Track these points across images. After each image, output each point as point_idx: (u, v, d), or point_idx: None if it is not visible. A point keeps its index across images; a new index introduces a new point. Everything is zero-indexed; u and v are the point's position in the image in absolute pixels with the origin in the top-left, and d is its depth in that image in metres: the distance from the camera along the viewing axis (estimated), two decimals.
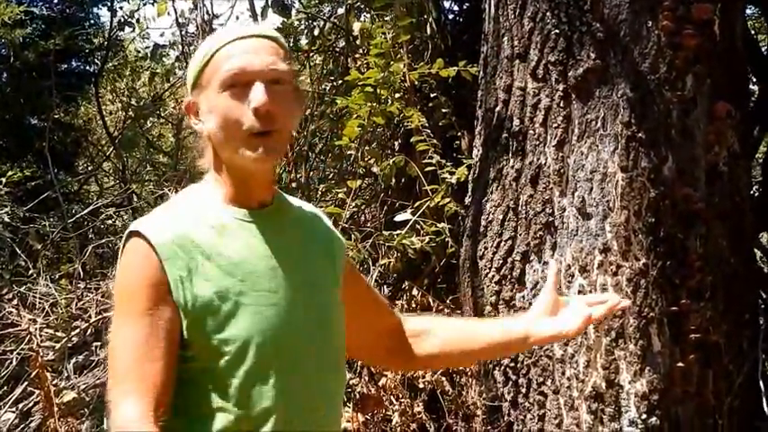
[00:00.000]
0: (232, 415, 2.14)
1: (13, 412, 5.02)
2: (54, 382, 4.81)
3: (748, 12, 7.39)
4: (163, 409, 2.07)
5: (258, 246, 2.24)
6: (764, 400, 4.37)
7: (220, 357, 2.13)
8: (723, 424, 4.21)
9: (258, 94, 2.17)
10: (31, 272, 6.45)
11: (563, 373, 4.16)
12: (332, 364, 2.34)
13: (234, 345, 2.13)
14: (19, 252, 6.94)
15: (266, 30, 2.28)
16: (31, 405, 5.07)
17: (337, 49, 7.09)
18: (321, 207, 5.72)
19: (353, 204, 5.47)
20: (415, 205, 5.12)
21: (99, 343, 5.21)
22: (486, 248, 4.47)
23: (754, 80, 6.27)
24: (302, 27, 7.38)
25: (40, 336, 5.31)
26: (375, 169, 5.82)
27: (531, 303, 4.24)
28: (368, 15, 6.77)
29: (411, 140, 5.27)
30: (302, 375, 2.22)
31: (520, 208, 4.36)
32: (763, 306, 5.39)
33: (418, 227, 5.05)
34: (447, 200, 4.99)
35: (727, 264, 4.27)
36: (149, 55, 9.99)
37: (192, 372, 2.15)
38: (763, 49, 6.50)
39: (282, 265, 2.25)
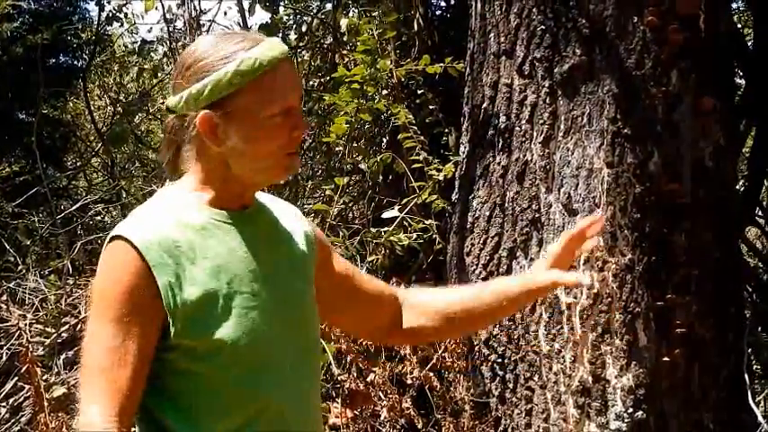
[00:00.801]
0: (222, 416, 2.17)
1: (4, 407, 5.03)
2: (44, 378, 4.81)
3: (734, 6, 7.43)
4: (128, 415, 2.10)
5: (238, 248, 2.25)
6: (750, 393, 4.39)
7: (210, 360, 2.15)
8: (709, 417, 4.23)
9: (300, 121, 2.24)
10: (20, 267, 6.45)
11: (550, 369, 4.18)
12: (309, 364, 2.37)
13: (224, 348, 2.15)
14: (8, 247, 6.94)
15: (284, 46, 2.27)
16: (21, 400, 5.07)
17: (325, 46, 7.10)
18: (309, 204, 5.76)
19: (341, 201, 5.48)
20: (403, 202, 5.14)
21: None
22: (472, 245, 4.49)
23: (741, 74, 6.30)
24: (290, 22, 7.40)
25: (30, 331, 5.31)
26: (362, 166, 5.85)
27: None
28: (355, 11, 6.79)
29: (398, 137, 5.28)
30: (286, 376, 2.25)
31: (506, 204, 4.37)
32: (748, 300, 5.43)
33: (406, 223, 5.06)
34: (434, 196, 5.00)
35: (713, 258, 4.28)
36: (137, 51, 9.99)
37: (180, 374, 2.17)
38: (749, 44, 6.51)
39: (261, 267, 2.26)
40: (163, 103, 11.33)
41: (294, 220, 2.47)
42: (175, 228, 2.19)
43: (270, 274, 2.28)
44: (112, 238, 2.17)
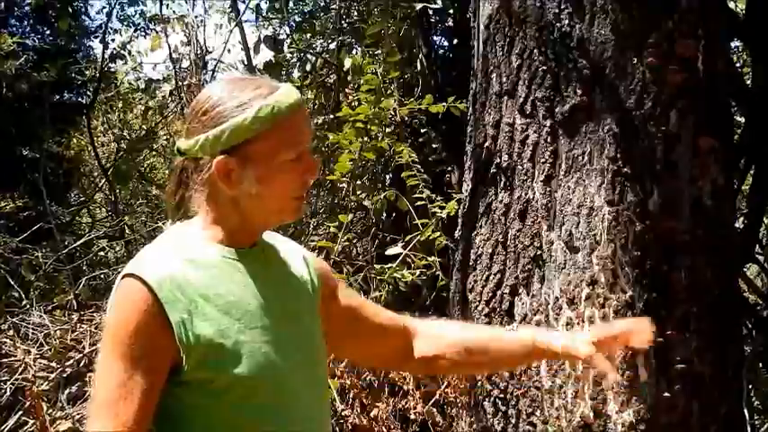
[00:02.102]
0: None
1: None
2: (49, 412, 4.84)
3: (733, 45, 7.50)
4: None
5: (249, 284, 2.29)
6: (749, 429, 4.41)
7: (223, 396, 2.19)
8: None
9: (312, 165, 2.32)
10: (24, 303, 6.48)
11: (552, 404, 4.20)
12: (319, 398, 2.43)
13: (237, 383, 2.19)
14: (12, 283, 6.98)
15: (298, 93, 2.35)
16: None
17: (329, 84, 7.16)
18: (313, 240, 5.81)
19: (345, 238, 5.51)
20: (406, 239, 5.17)
21: (93, 374, 5.24)
22: (475, 281, 4.52)
23: (740, 113, 6.36)
24: (294, 61, 7.46)
25: (35, 366, 5.34)
26: (366, 203, 5.89)
27: None
28: (359, 50, 6.85)
29: (402, 175, 5.32)
30: (298, 410, 2.29)
31: (508, 242, 4.40)
32: (748, 336, 5.46)
33: (409, 260, 5.09)
34: (437, 234, 5.04)
35: (713, 295, 4.29)
36: (143, 89, 10.05)
37: (193, 409, 2.21)
38: (747, 83, 6.57)
39: (271, 303, 2.31)
40: (167, 140, 11.43)
41: (298, 258, 2.52)
42: (187, 265, 2.23)
43: (280, 310, 2.32)
44: (125, 276, 2.21)
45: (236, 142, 2.24)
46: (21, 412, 5.11)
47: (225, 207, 2.31)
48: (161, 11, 9.35)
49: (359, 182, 5.92)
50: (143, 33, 12.40)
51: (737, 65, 7.51)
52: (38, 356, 5.51)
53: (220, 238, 2.32)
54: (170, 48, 8.19)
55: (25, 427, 5.09)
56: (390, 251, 5.18)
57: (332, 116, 6.51)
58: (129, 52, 10.33)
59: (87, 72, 12.93)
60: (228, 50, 16.30)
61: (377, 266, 5.17)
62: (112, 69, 11.88)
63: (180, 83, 8.13)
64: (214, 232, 2.32)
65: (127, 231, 8.98)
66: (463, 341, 2.74)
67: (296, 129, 2.29)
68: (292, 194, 2.31)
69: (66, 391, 5.21)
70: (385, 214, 5.81)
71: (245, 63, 7.38)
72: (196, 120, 2.30)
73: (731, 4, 7.44)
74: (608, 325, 2.74)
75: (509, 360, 2.93)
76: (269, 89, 2.29)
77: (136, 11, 13.41)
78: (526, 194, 4.37)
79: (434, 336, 2.75)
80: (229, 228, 2.32)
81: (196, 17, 7.94)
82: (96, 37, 13.51)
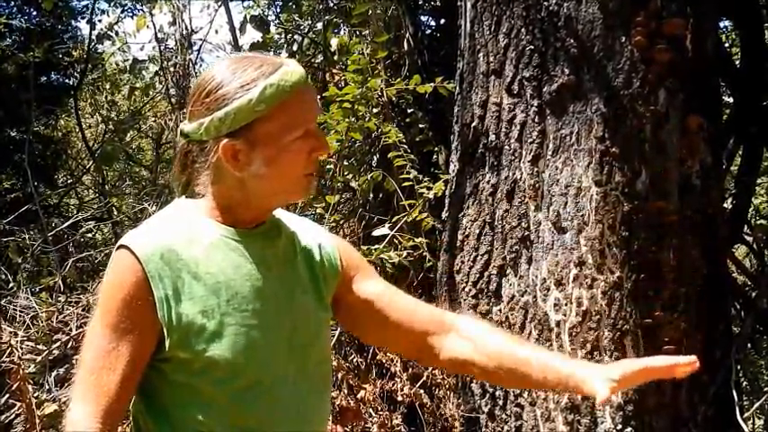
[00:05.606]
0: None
1: None
2: (35, 395, 4.82)
3: (722, 25, 7.47)
4: (113, 417, 2.13)
5: (244, 265, 2.26)
6: (738, 410, 4.41)
7: (204, 376, 2.18)
8: None
9: (318, 143, 2.26)
10: (11, 285, 6.46)
11: None
12: (314, 384, 2.36)
13: (217, 365, 2.17)
14: None
15: (302, 68, 2.28)
16: (12, 417, 5.08)
17: (316, 65, 7.14)
18: None
19: (332, 219, 5.50)
20: (393, 220, 5.15)
21: (80, 355, 5.22)
22: (462, 263, 4.51)
23: (729, 93, 6.34)
24: (281, 41, 7.43)
25: (21, 348, 5.31)
26: (353, 184, 5.86)
27: (507, 317, 4.30)
28: (346, 30, 6.83)
29: (389, 156, 5.30)
30: (284, 396, 2.26)
31: (496, 222, 4.39)
32: (738, 317, 5.45)
33: (396, 241, 5.08)
34: (424, 214, 5.02)
35: (701, 275, 4.30)
36: (128, 69, 10.00)
37: (177, 386, 2.20)
38: (736, 63, 6.55)
39: (268, 285, 2.27)
40: (155, 120, 11.39)
41: (314, 239, 2.46)
42: (182, 241, 2.21)
43: (277, 292, 2.29)
44: (119, 247, 2.20)
45: (241, 124, 2.19)
46: (8, 395, 5.09)
47: (230, 188, 2.27)
48: None
49: (345, 162, 5.90)
50: (130, 14, 12.34)
51: (726, 44, 7.48)
52: (25, 339, 5.49)
53: (223, 217, 2.29)
54: (155, 28, 8.15)
55: (13, 410, 5.07)
56: (377, 232, 5.16)
57: (319, 96, 6.48)
58: (117, 33, 10.25)
59: (74, 53, 12.88)
60: (216, 31, 16.30)
61: (364, 248, 5.13)
62: (100, 50, 11.83)
63: (165, 63, 8.09)
64: (217, 211, 2.29)
65: (114, 213, 8.95)
66: (503, 355, 2.45)
67: (302, 106, 2.23)
68: (302, 172, 2.25)
69: (53, 374, 5.19)
70: (372, 195, 5.78)
71: (232, 43, 7.35)
72: (199, 102, 2.25)
73: None
74: (634, 361, 2.40)
75: (536, 384, 2.59)
76: (272, 67, 2.22)
77: None
78: (513, 175, 4.36)
79: (474, 339, 2.49)
80: (233, 208, 2.29)
81: None
82: (83, 18, 13.45)
